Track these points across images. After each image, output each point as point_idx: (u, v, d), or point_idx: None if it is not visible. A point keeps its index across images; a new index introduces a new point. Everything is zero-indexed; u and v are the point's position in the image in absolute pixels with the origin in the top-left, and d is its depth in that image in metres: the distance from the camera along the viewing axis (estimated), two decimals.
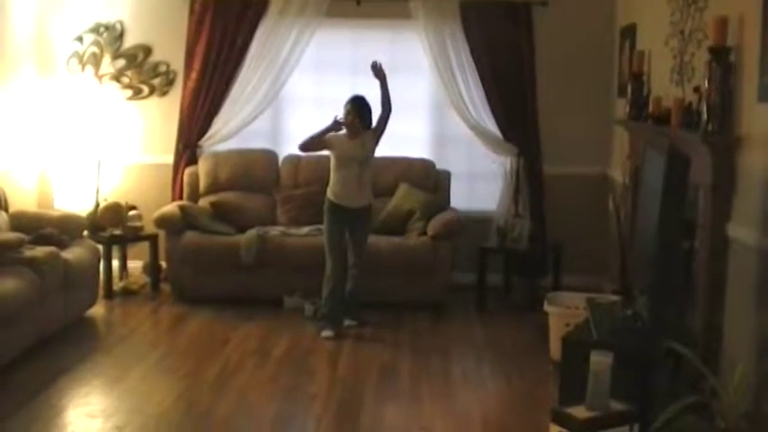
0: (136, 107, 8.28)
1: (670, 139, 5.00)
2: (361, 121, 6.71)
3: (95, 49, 8.19)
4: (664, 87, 5.88)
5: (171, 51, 8.18)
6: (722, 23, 4.50)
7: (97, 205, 7.86)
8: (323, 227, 6.87)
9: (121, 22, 8.19)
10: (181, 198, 8.07)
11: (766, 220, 4.17)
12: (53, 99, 8.16)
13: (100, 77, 8.22)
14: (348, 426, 5.13)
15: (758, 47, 4.23)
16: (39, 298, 6.03)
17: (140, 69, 8.23)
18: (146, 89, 8.25)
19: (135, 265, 8.09)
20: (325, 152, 6.85)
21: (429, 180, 7.98)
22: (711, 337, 4.63)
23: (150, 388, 5.58)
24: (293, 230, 7.60)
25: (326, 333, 6.63)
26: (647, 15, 6.65)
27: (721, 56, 4.47)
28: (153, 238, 7.83)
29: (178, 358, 6.20)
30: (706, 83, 4.57)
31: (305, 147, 6.80)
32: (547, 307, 6.09)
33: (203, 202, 7.91)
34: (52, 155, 8.16)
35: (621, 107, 6.89)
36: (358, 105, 6.71)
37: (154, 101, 8.28)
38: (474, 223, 7.85)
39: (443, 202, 7.90)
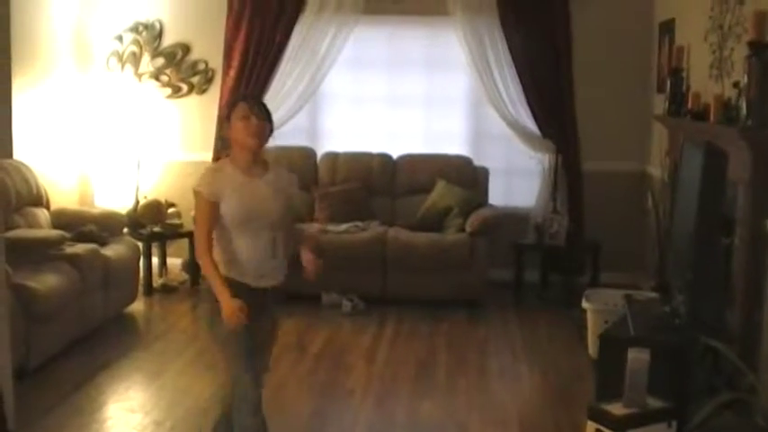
0: (175, 105, 8.35)
1: (708, 134, 4.96)
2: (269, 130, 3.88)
3: (135, 48, 8.27)
4: (703, 83, 5.82)
5: (209, 49, 8.24)
6: (762, 18, 4.45)
7: (137, 203, 7.93)
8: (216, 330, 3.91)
9: (160, 21, 8.27)
10: None
11: None
12: (93, 98, 8.26)
13: (139, 76, 8.30)
14: (385, 421, 5.15)
15: None
16: (79, 294, 6.11)
17: (179, 68, 8.30)
18: (185, 87, 8.32)
19: (174, 262, 8.16)
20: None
21: (467, 176, 7.95)
22: (750, 333, 4.58)
23: (189, 383, 5.64)
24: (331, 227, 7.62)
25: None
26: (686, 10, 6.60)
27: (761, 50, 4.42)
28: (192, 236, 7.88)
29: (216, 354, 6.24)
30: (746, 78, 4.52)
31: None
32: (585, 304, 6.06)
33: None
34: (93, 153, 8.27)
35: (660, 103, 6.83)
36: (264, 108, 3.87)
37: (193, 99, 8.35)
38: (512, 220, 7.85)
39: (481, 199, 7.89)
